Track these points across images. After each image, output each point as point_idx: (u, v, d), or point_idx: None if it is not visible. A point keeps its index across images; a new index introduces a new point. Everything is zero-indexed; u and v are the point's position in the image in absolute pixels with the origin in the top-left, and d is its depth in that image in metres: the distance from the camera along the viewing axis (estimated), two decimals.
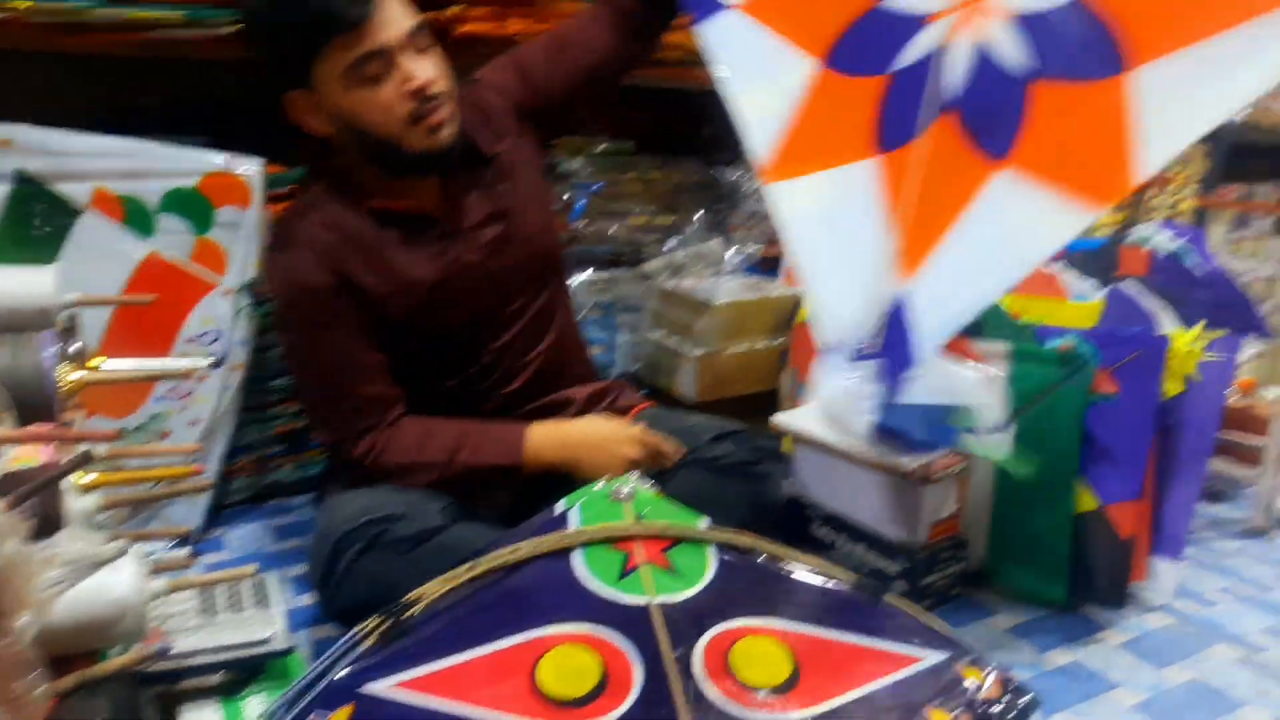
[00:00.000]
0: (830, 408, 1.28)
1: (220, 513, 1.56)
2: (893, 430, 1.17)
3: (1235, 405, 1.80)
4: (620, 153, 2.01)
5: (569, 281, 1.46)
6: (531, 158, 1.32)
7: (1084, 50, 0.98)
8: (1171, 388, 1.29)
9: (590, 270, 1.93)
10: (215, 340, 1.42)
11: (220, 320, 1.42)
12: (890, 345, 1.08)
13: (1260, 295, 1.76)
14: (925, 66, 1.10)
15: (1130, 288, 1.39)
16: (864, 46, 1.16)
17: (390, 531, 1.08)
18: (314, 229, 1.16)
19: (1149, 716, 1.12)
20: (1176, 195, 2.80)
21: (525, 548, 0.85)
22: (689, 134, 2.21)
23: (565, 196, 1.91)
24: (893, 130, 1.12)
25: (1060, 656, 1.25)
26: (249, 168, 1.40)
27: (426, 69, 1.10)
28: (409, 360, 1.22)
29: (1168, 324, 1.35)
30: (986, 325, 1.40)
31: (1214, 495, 1.80)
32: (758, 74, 1.20)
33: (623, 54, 1.36)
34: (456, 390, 1.26)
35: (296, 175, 1.51)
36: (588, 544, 0.85)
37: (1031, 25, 1.02)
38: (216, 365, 1.41)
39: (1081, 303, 1.36)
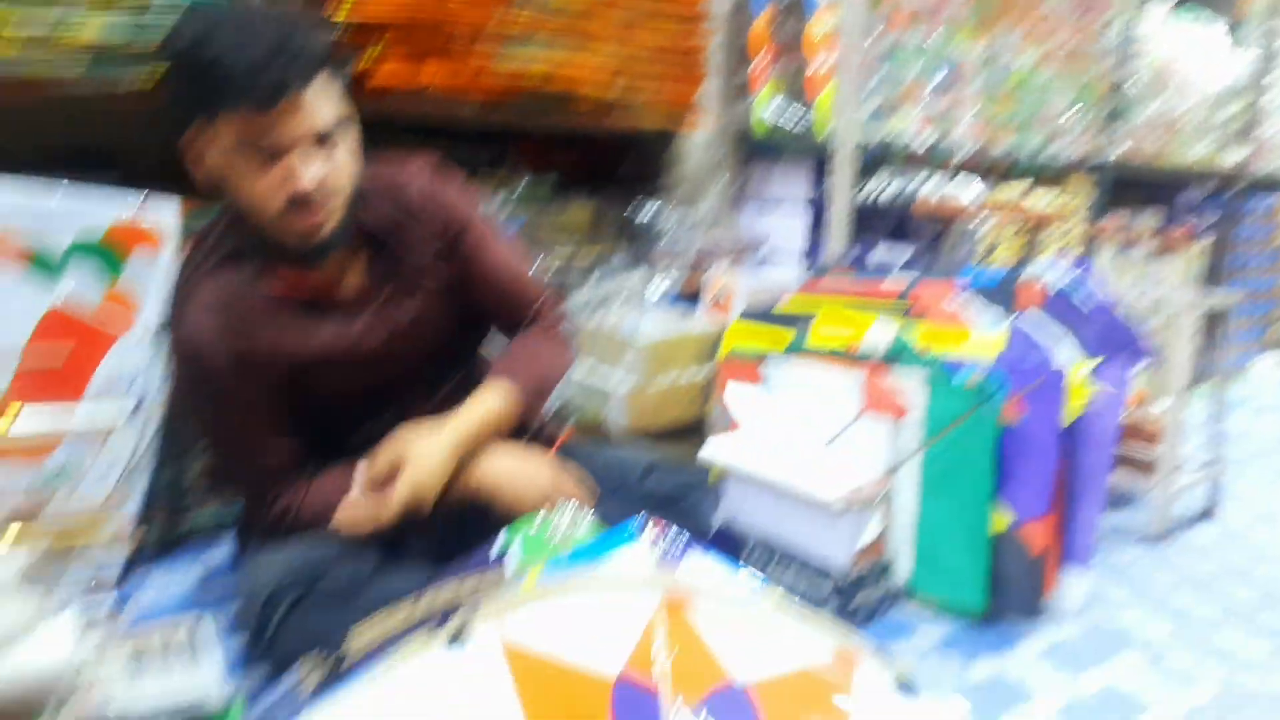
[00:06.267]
0: None
1: (139, 557, 1.50)
2: None
3: (1129, 419, 1.93)
4: (541, 190, 2.03)
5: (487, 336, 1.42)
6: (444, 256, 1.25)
7: None
8: (1072, 411, 1.38)
9: None
10: (131, 384, 1.37)
11: (134, 364, 1.37)
12: None
13: (1143, 316, 1.88)
14: None
15: (1030, 319, 1.47)
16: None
17: (319, 585, 1.07)
18: (214, 297, 1.12)
19: None
20: (1066, 228, 2.97)
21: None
22: (608, 172, 2.25)
23: None
24: None
25: (982, 670, 1.30)
26: (160, 212, 1.36)
27: (317, 170, 1.03)
28: (316, 418, 1.20)
29: (1066, 353, 1.43)
30: (900, 358, 1.47)
31: (1114, 502, 1.92)
32: None
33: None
34: (364, 442, 1.21)
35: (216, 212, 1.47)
36: None
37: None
38: (134, 410, 1.36)
39: (986, 335, 1.44)
